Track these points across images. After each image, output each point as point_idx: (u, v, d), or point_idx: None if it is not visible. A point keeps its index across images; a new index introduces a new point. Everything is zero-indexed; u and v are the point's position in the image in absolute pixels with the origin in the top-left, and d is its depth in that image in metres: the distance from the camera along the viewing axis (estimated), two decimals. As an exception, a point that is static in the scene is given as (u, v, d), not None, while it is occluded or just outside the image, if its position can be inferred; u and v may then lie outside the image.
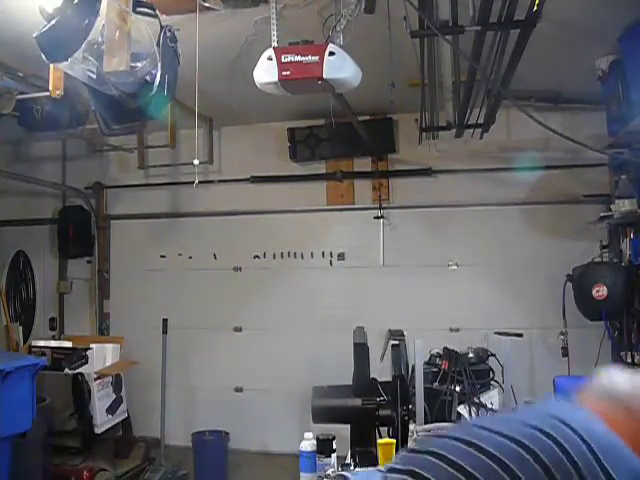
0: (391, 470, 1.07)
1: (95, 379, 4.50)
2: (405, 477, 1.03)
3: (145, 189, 5.62)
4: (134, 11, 2.13)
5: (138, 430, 5.15)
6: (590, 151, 3.47)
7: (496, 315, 4.66)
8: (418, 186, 5.10)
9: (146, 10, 2.20)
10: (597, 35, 3.43)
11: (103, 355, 4.76)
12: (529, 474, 0.95)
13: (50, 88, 2.88)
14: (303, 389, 3.22)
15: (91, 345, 4.69)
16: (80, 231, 5.64)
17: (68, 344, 4.76)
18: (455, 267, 4.97)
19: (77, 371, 4.44)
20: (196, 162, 3.59)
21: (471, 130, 4.23)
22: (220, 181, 5.44)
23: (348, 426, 2.61)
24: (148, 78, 2.19)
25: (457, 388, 3.05)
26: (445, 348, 3.29)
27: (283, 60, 2.51)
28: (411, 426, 2.61)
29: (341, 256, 5.23)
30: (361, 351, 2.71)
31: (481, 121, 4.08)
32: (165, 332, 5.30)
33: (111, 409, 4.66)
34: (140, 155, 5.56)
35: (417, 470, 1.03)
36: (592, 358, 4.43)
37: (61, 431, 4.29)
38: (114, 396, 4.71)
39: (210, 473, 4.97)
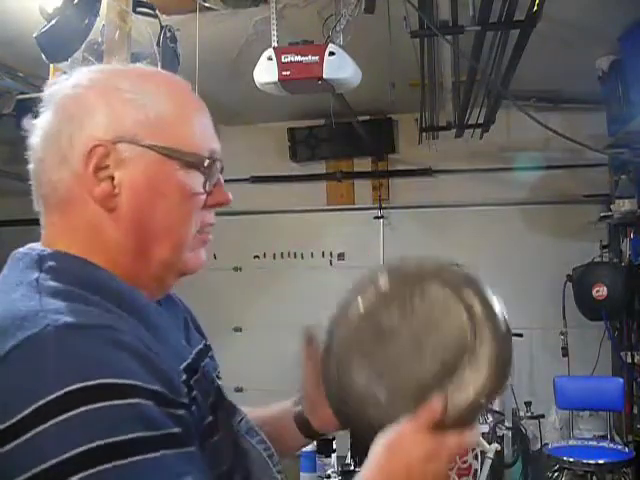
0: None
1: (95, 379, 4.49)
2: None
3: (145, 189, 5.62)
4: (134, 11, 2.13)
5: (138, 430, 5.14)
6: (590, 151, 3.48)
7: (496, 315, 4.64)
8: (418, 186, 5.09)
9: (146, 10, 2.20)
10: (597, 35, 3.43)
11: (103, 355, 4.76)
12: None
13: (50, 88, 2.87)
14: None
15: (91, 345, 4.68)
16: (80, 231, 5.63)
17: (68, 344, 4.76)
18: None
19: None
20: (196, 162, 3.59)
21: (471, 130, 4.23)
22: (220, 181, 5.43)
23: (348, 426, 2.61)
24: (148, 78, 2.19)
25: (457, 388, 3.06)
26: (445, 348, 3.29)
27: (283, 60, 2.51)
28: (411, 426, 2.62)
29: (341, 256, 5.23)
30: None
31: (481, 121, 4.08)
32: (165, 332, 5.29)
33: (111, 409, 4.66)
34: (140, 155, 5.55)
35: None
36: (592, 358, 4.44)
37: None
38: (114, 396, 4.71)
39: (210, 473, 4.97)
